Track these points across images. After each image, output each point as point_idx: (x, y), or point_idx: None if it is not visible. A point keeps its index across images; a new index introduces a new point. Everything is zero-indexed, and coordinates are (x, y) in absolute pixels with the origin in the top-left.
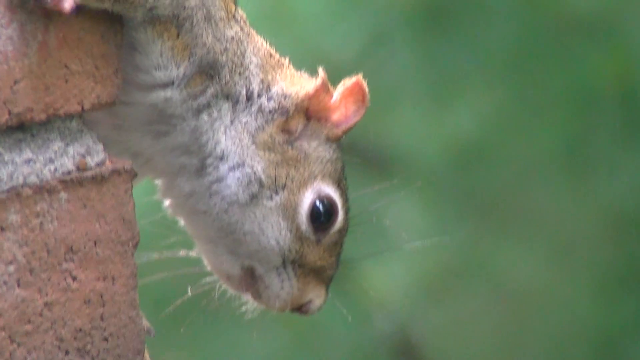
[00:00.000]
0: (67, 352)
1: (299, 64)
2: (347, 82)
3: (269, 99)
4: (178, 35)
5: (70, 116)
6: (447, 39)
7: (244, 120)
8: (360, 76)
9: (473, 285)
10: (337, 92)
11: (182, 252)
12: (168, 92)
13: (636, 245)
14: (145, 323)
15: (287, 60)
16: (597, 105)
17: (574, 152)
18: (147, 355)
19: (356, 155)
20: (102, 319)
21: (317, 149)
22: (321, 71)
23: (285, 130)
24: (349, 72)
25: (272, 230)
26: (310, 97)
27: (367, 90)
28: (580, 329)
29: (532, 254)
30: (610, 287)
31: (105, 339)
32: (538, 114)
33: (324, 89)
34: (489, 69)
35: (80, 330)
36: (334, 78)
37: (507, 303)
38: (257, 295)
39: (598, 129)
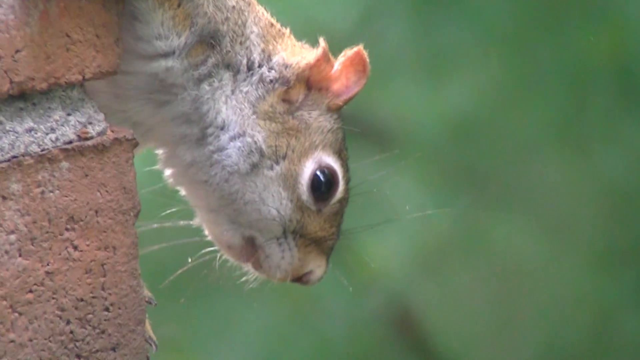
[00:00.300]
0: (68, 322)
1: (294, 35)
2: (348, 52)
3: (269, 69)
4: (179, 5)
5: (71, 85)
6: (444, 12)
7: (244, 89)
8: (361, 46)
9: (470, 258)
10: (338, 62)
11: (182, 222)
12: (169, 62)
13: (632, 218)
14: (147, 293)
15: (287, 30)
16: (592, 79)
17: (570, 126)
18: (148, 324)
19: (355, 126)
20: (103, 288)
21: (317, 119)
22: (322, 41)
23: (286, 100)
24: (345, 44)
25: (273, 200)
26: (311, 67)
27: (368, 60)
28: (577, 302)
29: (528, 228)
30: (607, 261)
31: (107, 309)
32: (534, 88)
33: (325, 59)
34: (486, 43)
35: (82, 299)
36: (330, 49)
37: (503, 276)
38: (258, 265)
39: (594, 103)
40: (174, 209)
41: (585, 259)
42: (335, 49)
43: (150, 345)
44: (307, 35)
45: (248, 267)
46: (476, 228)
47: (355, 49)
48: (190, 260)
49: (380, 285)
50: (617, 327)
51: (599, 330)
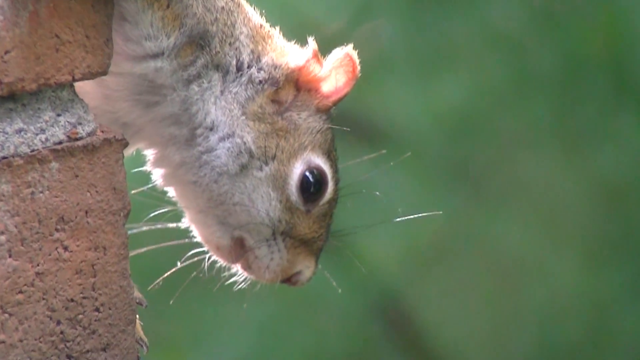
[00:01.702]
0: (58, 322)
1: (286, 33)
2: (337, 53)
3: (259, 70)
4: (168, 5)
5: (61, 86)
6: (436, 9)
7: (234, 90)
8: (350, 47)
9: (464, 256)
10: (328, 63)
11: (171, 225)
12: (158, 63)
13: (626, 213)
14: (137, 294)
15: (277, 30)
16: (585, 75)
17: (564, 122)
18: (138, 325)
19: (346, 125)
20: (93, 288)
21: (307, 120)
22: (312, 42)
23: (275, 100)
24: (336, 42)
25: (262, 201)
26: (301, 68)
27: (357, 61)
28: (571, 298)
29: (523, 224)
30: (601, 256)
31: (97, 309)
32: (528, 84)
33: (315, 60)
34: (479, 40)
35: (72, 300)
36: (322, 47)
37: (498, 273)
38: (247, 266)
39: (587, 100)
40: (162, 210)
41: (580, 255)
42: (326, 47)
43: (141, 346)
44: (298, 33)
45: (237, 267)
46: (470, 225)
47: (344, 49)
48: (179, 263)
49: (375, 282)
50: (612, 321)
51: (594, 325)
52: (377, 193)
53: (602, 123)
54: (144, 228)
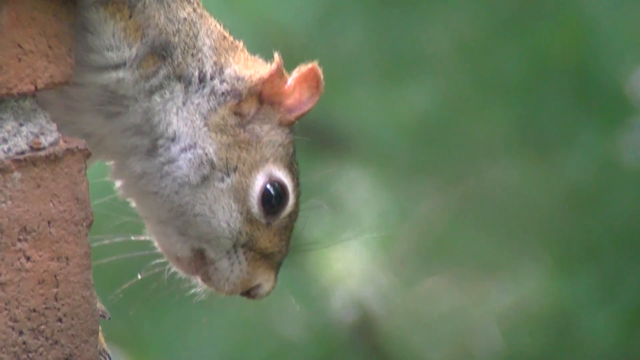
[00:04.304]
0: (21, 333)
1: (252, 38)
2: (302, 68)
3: (221, 82)
4: (130, 16)
5: (23, 95)
6: (401, 14)
7: (196, 101)
8: (315, 63)
9: (431, 264)
10: (292, 77)
11: (133, 237)
12: (120, 73)
13: (591, 219)
14: (100, 306)
15: (241, 43)
16: (548, 78)
17: (528, 126)
18: (101, 336)
19: (311, 134)
20: (56, 299)
21: (269, 133)
22: (276, 56)
23: (237, 113)
24: (302, 47)
25: (223, 212)
26: (264, 82)
27: (322, 77)
28: (537, 304)
29: (490, 230)
30: (566, 262)
31: (60, 319)
32: (492, 90)
33: (279, 74)
34: (443, 45)
35: (35, 310)
36: (287, 52)
37: (464, 279)
38: (207, 278)
39: (551, 104)
40: (124, 221)
41: (546, 261)
42: (291, 51)
43: (105, 358)
44: (263, 37)
45: (197, 279)
46: (437, 233)
47: (309, 65)
48: (139, 275)
49: (341, 290)
50: (579, 328)
51: (560, 332)
52: (339, 206)
53: (566, 128)
54: (107, 242)
